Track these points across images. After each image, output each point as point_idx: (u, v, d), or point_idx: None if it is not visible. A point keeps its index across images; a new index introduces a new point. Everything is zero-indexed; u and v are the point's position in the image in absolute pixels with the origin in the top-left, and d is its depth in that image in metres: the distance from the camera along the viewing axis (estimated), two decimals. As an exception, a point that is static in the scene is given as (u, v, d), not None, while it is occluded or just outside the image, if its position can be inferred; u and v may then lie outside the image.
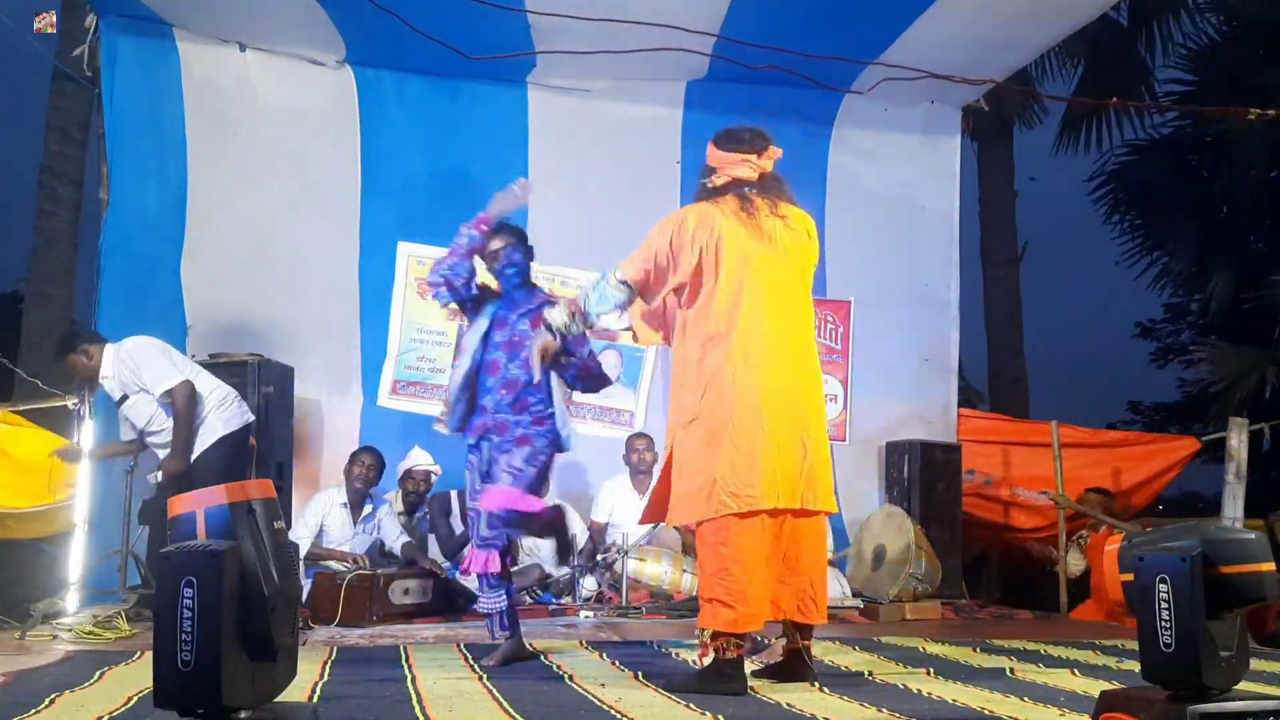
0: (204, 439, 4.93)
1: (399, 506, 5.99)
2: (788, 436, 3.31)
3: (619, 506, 6.30)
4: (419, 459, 6.00)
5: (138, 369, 4.96)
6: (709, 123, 6.93)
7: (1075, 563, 6.52)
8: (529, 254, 4.05)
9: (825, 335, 6.90)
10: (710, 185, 3.48)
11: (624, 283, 3.46)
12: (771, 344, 3.33)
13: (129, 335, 5.84)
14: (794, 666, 3.43)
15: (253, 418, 5.18)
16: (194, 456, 4.90)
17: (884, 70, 6.40)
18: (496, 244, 3.96)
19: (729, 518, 3.25)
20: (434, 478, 6.06)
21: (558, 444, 3.96)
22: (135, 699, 3.09)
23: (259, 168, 6.41)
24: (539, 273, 6.98)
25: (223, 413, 5.00)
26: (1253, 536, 2.52)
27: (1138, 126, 10.14)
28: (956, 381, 7.36)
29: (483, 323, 3.95)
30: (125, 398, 5.04)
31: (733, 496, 3.25)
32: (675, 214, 3.47)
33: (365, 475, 5.72)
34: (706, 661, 3.29)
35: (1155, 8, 9.68)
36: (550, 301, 3.90)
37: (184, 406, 4.90)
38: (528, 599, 5.86)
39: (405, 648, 4.22)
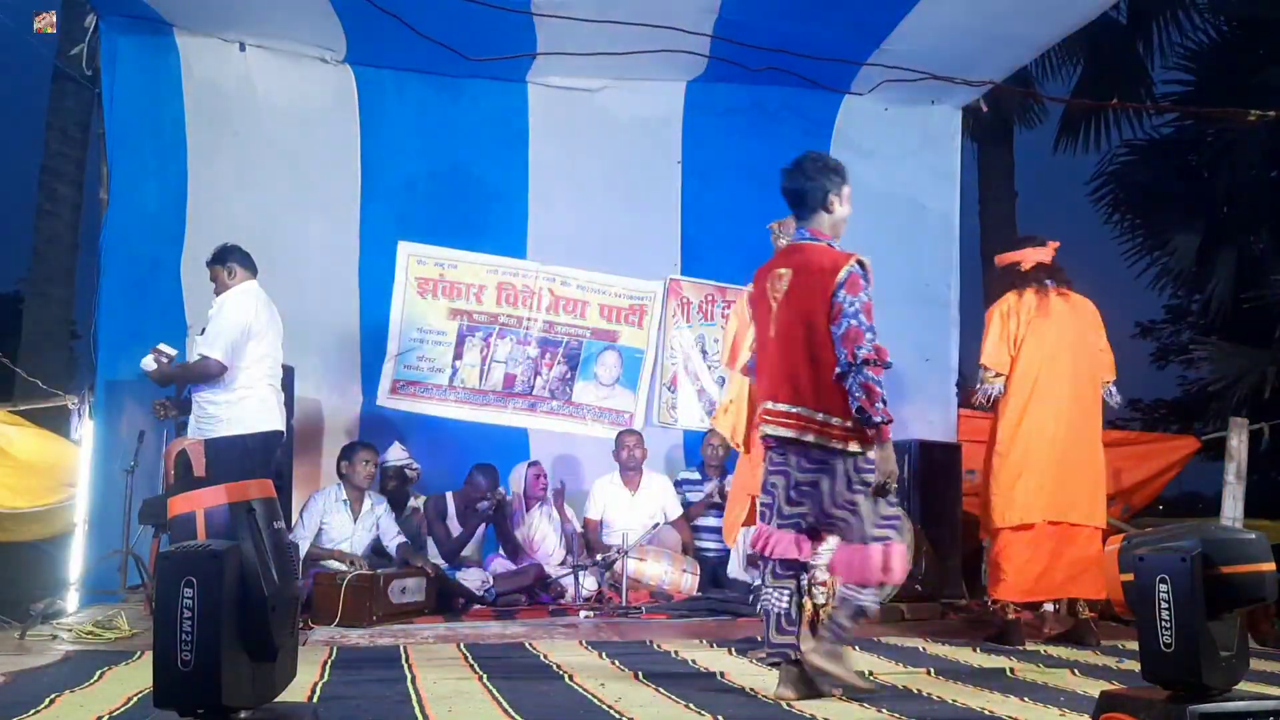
0: (231, 425, 4.87)
1: (383, 502, 6.00)
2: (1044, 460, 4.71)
3: (610, 503, 6.32)
4: (395, 455, 6.04)
5: (215, 316, 4.93)
6: (709, 123, 7.00)
7: None
8: None
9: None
10: (1021, 269, 4.91)
11: (999, 374, 4.86)
12: (1038, 395, 4.75)
13: (129, 335, 5.85)
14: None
15: (282, 428, 5.13)
16: (215, 436, 4.84)
17: (884, 71, 6.38)
18: None
19: None
20: (410, 473, 6.07)
21: None
22: (135, 699, 3.09)
23: (259, 167, 6.39)
24: (539, 272, 7.10)
25: (261, 411, 4.95)
26: (1253, 536, 2.52)
27: (1137, 126, 10.12)
28: (956, 381, 7.35)
29: None
30: (203, 330, 5.02)
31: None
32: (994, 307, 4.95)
33: (370, 471, 5.68)
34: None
35: (1155, 8, 9.66)
36: None
37: (196, 375, 4.90)
38: (526, 599, 5.86)
39: (405, 648, 4.22)
